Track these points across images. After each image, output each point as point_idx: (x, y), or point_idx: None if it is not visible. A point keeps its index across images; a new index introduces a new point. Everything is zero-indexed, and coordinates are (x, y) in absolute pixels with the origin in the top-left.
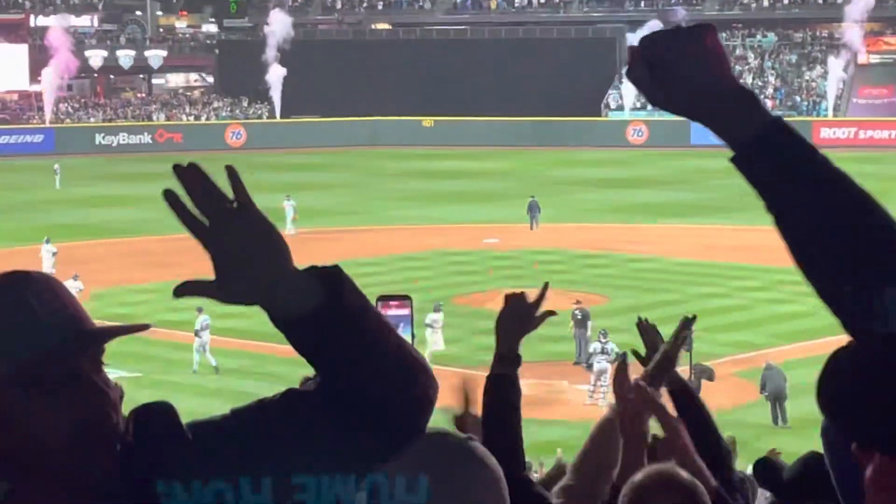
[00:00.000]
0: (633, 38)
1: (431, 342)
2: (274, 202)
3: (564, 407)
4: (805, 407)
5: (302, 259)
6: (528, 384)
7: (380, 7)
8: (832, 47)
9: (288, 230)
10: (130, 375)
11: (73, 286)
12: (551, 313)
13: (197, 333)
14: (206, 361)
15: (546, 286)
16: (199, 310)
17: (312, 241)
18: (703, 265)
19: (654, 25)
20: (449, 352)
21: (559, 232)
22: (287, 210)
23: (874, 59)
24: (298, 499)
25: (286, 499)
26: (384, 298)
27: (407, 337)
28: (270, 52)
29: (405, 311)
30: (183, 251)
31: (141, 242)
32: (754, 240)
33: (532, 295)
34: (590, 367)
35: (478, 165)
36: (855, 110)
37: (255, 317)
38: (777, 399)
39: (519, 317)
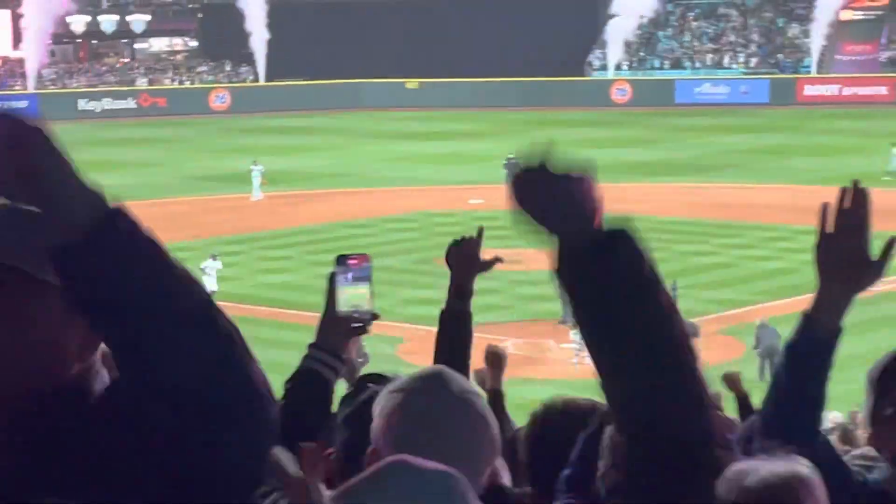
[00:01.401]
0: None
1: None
2: (262, 165)
3: (551, 366)
4: None
5: (283, 222)
6: (514, 343)
7: None
8: (814, 5)
9: (255, 195)
10: None
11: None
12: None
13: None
14: None
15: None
16: (213, 256)
17: (298, 203)
18: (687, 223)
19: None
20: (435, 312)
21: None
22: (254, 175)
23: (857, 15)
24: None
25: None
26: (343, 257)
27: (366, 293)
28: (253, 16)
29: (365, 269)
30: (169, 217)
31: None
32: (738, 197)
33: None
34: (576, 325)
35: (462, 127)
36: (839, 67)
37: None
38: (769, 355)
39: (467, 257)
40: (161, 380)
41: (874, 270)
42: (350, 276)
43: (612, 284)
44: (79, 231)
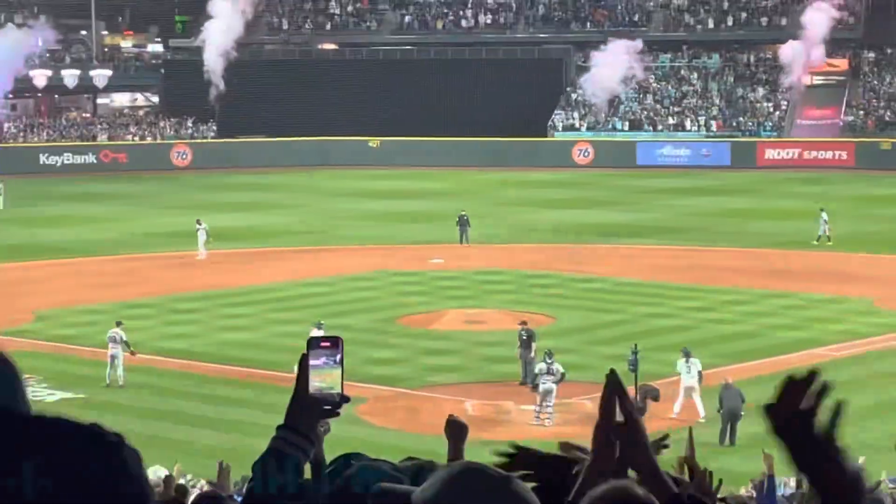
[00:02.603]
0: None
1: None
2: (218, 221)
3: (511, 427)
4: (752, 427)
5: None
6: (474, 405)
7: (327, 27)
8: (776, 69)
9: (200, 254)
10: (76, 396)
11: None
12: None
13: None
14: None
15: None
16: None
17: (258, 261)
18: (648, 285)
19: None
20: (396, 372)
21: (506, 252)
22: (199, 234)
23: (818, 80)
24: None
25: None
26: (316, 339)
27: (338, 376)
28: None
29: (337, 352)
30: (128, 272)
31: (87, 263)
32: (699, 260)
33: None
34: (535, 387)
35: (424, 186)
36: (799, 131)
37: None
38: (732, 418)
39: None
40: None
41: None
42: (322, 359)
43: None
44: None
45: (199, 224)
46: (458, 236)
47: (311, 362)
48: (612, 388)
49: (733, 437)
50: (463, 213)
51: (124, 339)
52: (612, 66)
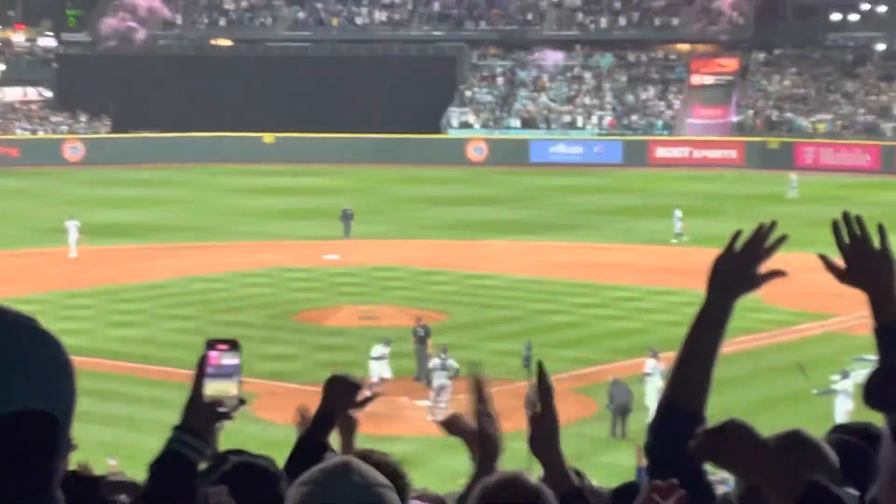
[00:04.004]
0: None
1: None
2: (109, 217)
3: (405, 423)
4: (641, 422)
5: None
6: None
7: (221, 23)
8: (667, 68)
9: (71, 251)
10: None
11: None
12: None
13: None
14: None
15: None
16: None
17: (151, 256)
18: (541, 282)
19: None
20: (289, 368)
21: (400, 248)
22: (70, 230)
23: (707, 80)
24: None
25: None
26: (213, 342)
27: (234, 379)
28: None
29: (234, 355)
30: (22, 268)
31: None
32: (591, 257)
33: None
34: (429, 383)
35: (319, 182)
36: (689, 130)
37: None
38: (622, 413)
39: (346, 394)
40: None
41: (754, 281)
42: (220, 361)
43: None
44: None
45: (71, 219)
46: (343, 231)
47: (209, 365)
48: (543, 379)
49: (624, 431)
50: (347, 207)
51: None
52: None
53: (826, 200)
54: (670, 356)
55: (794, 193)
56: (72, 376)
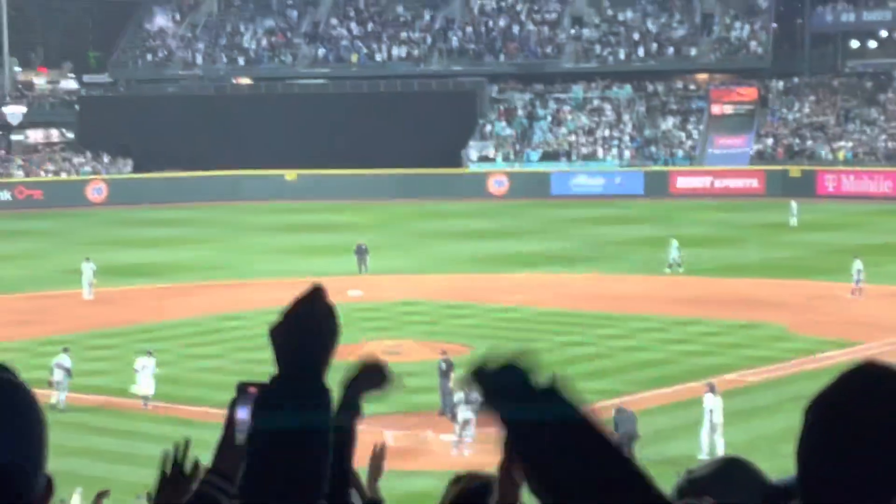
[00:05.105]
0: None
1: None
2: (133, 258)
3: (430, 457)
4: (645, 449)
5: (159, 315)
6: (394, 435)
7: (241, 62)
8: (687, 98)
9: (85, 293)
10: None
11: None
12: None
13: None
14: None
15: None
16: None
17: (174, 296)
18: (564, 314)
19: None
20: None
21: (423, 283)
22: (85, 272)
23: (728, 109)
24: None
25: None
26: (244, 385)
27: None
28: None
29: None
30: (45, 310)
31: (3, 301)
32: (613, 288)
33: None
34: (454, 417)
35: (341, 219)
36: (711, 160)
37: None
38: (629, 441)
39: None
40: None
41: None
42: (250, 405)
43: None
44: None
45: (87, 262)
46: (357, 266)
47: (239, 410)
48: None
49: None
50: (361, 242)
51: (68, 366)
52: None
53: (848, 228)
54: (697, 387)
55: (794, 221)
56: (39, 422)
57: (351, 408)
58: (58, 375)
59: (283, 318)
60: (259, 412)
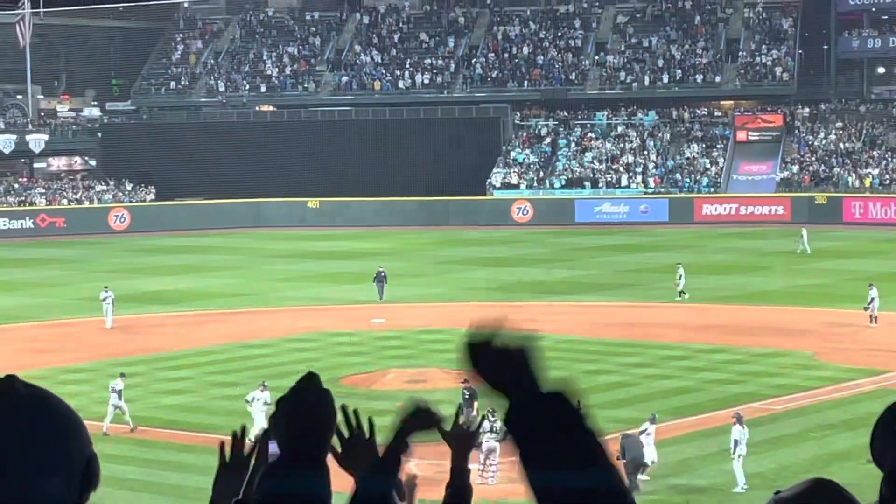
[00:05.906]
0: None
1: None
2: (158, 285)
3: None
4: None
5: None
6: (417, 465)
7: (263, 89)
8: (711, 124)
9: (106, 322)
10: None
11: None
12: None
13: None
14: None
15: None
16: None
17: (197, 323)
18: (588, 342)
19: None
20: None
21: (446, 311)
22: (106, 303)
23: (752, 136)
24: None
25: None
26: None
27: None
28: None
29: None
30: (66, 337)
31: (22, 329)
32: (637, 316)
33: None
34: (478, 446)
35: (364, 246)
36: (735, 187)
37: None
38: (636, 467)
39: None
40: None
41: None
42: None
43: (552, 438)
44: None
45: (106, 291)
46: (377, 293)
47: (270, 440)
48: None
49: (636, 484)
50: (381, 269)
51: (119, 388)
52: None
53: (874, 255)
54: (723, 415)
55: (803, 247)
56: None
57: (400, 445)
58: (115, 400)
59: (281, 405)
60: (266, 483)
